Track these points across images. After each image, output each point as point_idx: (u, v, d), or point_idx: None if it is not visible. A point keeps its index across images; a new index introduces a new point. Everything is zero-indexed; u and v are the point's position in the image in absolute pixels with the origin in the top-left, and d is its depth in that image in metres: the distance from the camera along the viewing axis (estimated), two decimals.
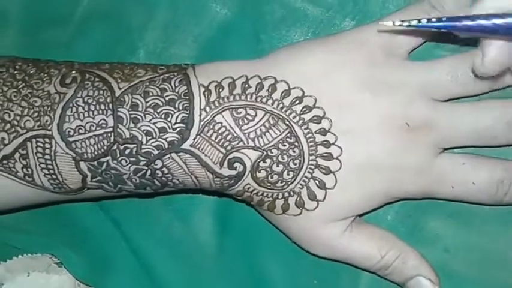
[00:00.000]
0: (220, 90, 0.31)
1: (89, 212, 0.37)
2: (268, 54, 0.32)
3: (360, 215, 0.32)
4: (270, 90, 0.31)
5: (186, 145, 0.30)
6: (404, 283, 0.32)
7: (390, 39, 0.31)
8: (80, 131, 0.30)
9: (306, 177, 0.31)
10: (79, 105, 0.31)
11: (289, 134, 0.30)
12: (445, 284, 0.32)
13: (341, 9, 0.34)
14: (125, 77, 0.31)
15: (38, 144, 0.31)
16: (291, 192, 0.31)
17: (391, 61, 0.31)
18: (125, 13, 0.37)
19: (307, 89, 0.30)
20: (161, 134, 0.30)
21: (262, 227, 0.34)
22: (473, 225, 0.33)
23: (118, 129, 0.30)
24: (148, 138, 0.30)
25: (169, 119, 0.30)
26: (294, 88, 0.31)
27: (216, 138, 0.30)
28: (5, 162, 0.31)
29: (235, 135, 0.30)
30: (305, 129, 0.30)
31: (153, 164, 0.31)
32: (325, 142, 0.30)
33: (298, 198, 0.31)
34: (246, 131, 0.30)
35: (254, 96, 0.31)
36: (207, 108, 0.30)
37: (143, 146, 0.30)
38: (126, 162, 0.31)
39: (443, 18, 0.25)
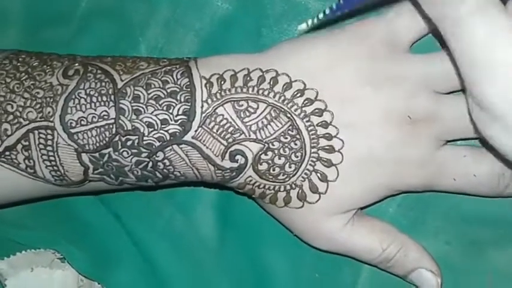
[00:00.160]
0: (222, 82, 0.31)
1: (90, 206, 0.37)
2: (270, 48, 0.32)
3: (362, 208, 0.32)
4: (271, 83, 0.31)
5: (187, 137, 0.30)
6: (406, 276, 0.32)
7: (392, 33, 0.31)
8: (82, 122, 0.30)
9: (307, 169, 0.31)
10: (81, 97, 0.31)
11: (290, 127, 0.30)
12: (446, 276, 0.32)
13: None
14: (127, 69, 0.31)
15: (41, 135, 0.31)
16: (293, 185, 0.31)
17: (393, 54, 0.31)
18: (126, 9, 0.37)
19: (309, 82, 0.30)
20: (163, 126, 0.30)
21: (263, 221, 0.34)
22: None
23: (120, 121, 0.30)
24: (150, 129, 0.30)
25: (171, 111, 0.30)
26: (295, 81, 0.31)
27: (217, 131, 0.30)
28: (7, 153, 0.31)
29: (236, 127, 0.30)
30: (307, 121, 0.30)
31: (154, 156, 0.31)
32: (327, 135, 0.30)
33: (300, 191, 0.31)
34: (247, 124, 0.30)
35: (256, 88, 0.31)
36: (209, 101, 0.30)
37: (145, 138, 0.30)
38: (128, 153, 0.30)
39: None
